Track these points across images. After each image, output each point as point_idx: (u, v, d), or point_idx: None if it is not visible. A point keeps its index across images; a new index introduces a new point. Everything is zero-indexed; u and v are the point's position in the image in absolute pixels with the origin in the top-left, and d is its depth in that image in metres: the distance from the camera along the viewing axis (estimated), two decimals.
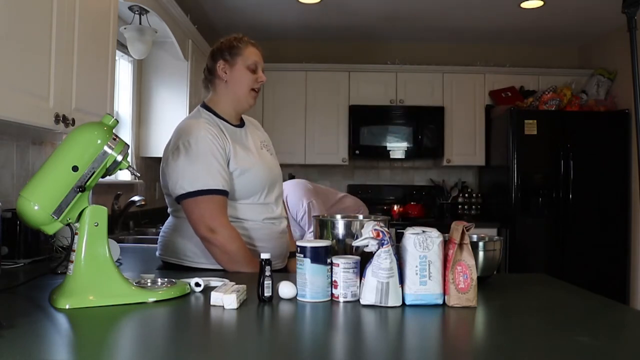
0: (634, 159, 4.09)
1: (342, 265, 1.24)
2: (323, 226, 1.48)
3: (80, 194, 1.19)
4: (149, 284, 1.33)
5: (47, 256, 1.88)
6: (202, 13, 4.08)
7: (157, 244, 1.84)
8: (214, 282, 1.38)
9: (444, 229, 1.30)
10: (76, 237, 1.21)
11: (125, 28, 2.91)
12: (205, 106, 1.80)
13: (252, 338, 1.04)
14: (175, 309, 1.20)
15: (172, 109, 3.58)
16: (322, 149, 4.70)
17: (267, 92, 4.61)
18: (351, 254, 1.37)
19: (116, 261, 1.42)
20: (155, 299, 1.23)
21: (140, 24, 2.98)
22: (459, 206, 4.70)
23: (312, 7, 4.05)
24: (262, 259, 1.25)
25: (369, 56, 4.90)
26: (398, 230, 1.88)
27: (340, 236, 1.44)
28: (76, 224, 1.21)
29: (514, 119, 4.17)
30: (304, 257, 1.25)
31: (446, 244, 1.26)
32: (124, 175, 3.32)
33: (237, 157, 1.70)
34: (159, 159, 1.81)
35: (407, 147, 4.66)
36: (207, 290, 1.30)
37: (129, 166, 1.27)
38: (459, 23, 4.40)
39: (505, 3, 3.91)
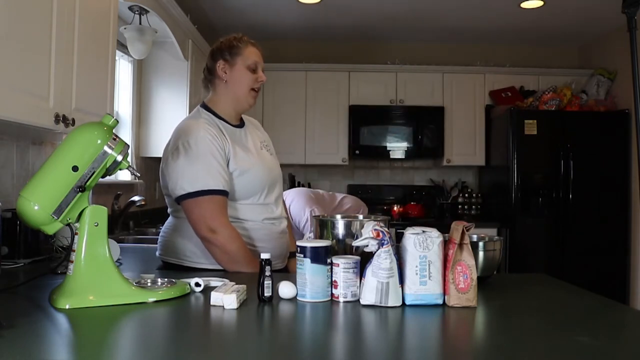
0: (634, 159, 4.09)
1: (342, 265, 1.24)
2: (323, 226, 1.48)
3: (80, 194, 1.19)
4: (149, 284, 1.33)
5: (47, 256, 1.88)
6: (202, 13, 4.08)
7: (157, 244, 1.84)
8: (214, 282, 1.38)
9: (444, 229, 1.30)
10: (76, 237, 1.21)
11: (125, 28, 2.91)
12: (205, 106, 1.80)
13: (252, 338, 1.04)
14: (175, 309, 1.20)
15: (172, 109, 3.58)
16: (322, 149, 4.70)
17: (267, 92, 4.61)
18: (351, 254, 1.37)
19: (116, 261, 1.42)
20: (155, 299, 1.23)
21: (140, 24, 2.98)
22: (459, 206, 4.70)
23: (312, 7, 4.05)
24: (262, 259, 1.25)
25: (369, 56, 4.90)
26: (398, 230, 1.88)
27: (340, 236, 1.44)
28: (76, 224, 1.21)
29: (514, 119, 4.17)
30: (304, 257, 1.25)
31: (446, 244, 1.26)
32: (124, 175, 3.32)
33: (237, 158, 1.70)
34: (159, 159, 1.81)
35: (407, 147, 4.66)
36: (207, 290, 1.30)
37: (129, 166, 1.27)
38: (459, 23, 4.40)
39: (505, 3, 3.91)
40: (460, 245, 1.22)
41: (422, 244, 1.22)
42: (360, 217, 1.59)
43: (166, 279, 1.35)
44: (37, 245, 1.84)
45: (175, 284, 1.32)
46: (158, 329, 1.11)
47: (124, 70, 3.48)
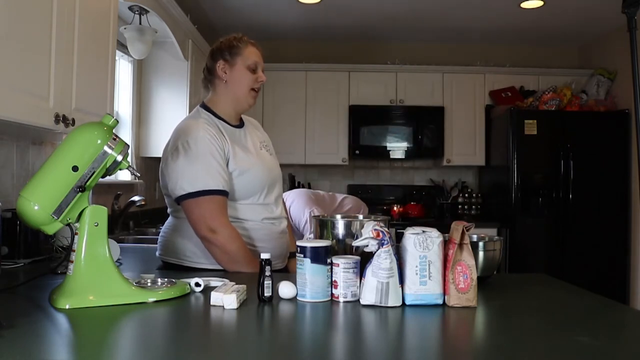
0: (634, 159, 4.09)
1: (342, 265, 1.24)
2: (323, 226, 1.48)
3: (80, 194, 1.19)
4: (149, 284, 1.33)
5: (47, 256, 1.88)
6: (202, 13, 4.08)
7: (157, 244, 1.84)
8: (214, 282, 1.38)
9: (444, 229, 1.30)
10: (76, 237, 1.21)
11: (125, 28, 2.91)
12: (205, 106, 1.80)
13: (252, 338, 1.04)
14: (175, 309, 1.20)
15: (172, 109, 3.58)
16: (322, 149, 4.70)
17: (267, 92, 4.61)
18: (351, 254, 1.37)
19: (116, 261, 1.42)
20: (155, 299, 1.23)
21: (140, 24, 2.98)
22: (459, 206, 4.70)
23: (312, 7, 4.05)
24: (262, 259, 1.25)
25: (369, 56, 4.90)
26: (398, 230, 1.88)
27: (340, 236, 1.44)
28: (76, 224, 1.21)
29: (514, 119, 4.17)
30: (304, 257, 1.25)
31: (446, 244, 1.26)
32: (124, 175, 3.32)
33: (236, 158, 1.70)
34: (159, 159, 1.81)
35: (407, 147, 4.66)
36: (207, 290, 1.30)
37: (129, 166, 1.27)
38: (459, 23, 4.40)
39: (505, 3, 3.91)
40: (460, 245, 1.22)
41: (422, 244, 1.22)
42: (360, 217, 1.59)
43: (166, 279, 1.35)
44: (37, 245, 1.83)
45: (175, 284, 1.32)
46: (158, 329, 1.11)
47: (124, 70, 3.48)
